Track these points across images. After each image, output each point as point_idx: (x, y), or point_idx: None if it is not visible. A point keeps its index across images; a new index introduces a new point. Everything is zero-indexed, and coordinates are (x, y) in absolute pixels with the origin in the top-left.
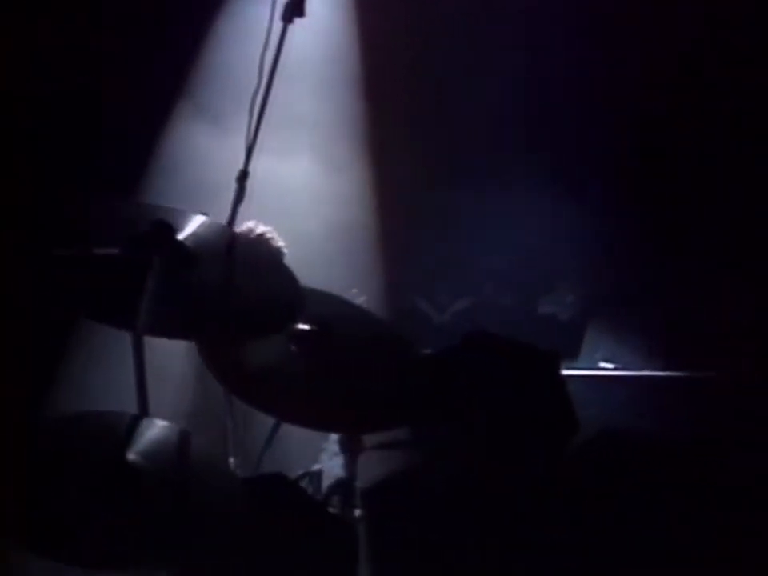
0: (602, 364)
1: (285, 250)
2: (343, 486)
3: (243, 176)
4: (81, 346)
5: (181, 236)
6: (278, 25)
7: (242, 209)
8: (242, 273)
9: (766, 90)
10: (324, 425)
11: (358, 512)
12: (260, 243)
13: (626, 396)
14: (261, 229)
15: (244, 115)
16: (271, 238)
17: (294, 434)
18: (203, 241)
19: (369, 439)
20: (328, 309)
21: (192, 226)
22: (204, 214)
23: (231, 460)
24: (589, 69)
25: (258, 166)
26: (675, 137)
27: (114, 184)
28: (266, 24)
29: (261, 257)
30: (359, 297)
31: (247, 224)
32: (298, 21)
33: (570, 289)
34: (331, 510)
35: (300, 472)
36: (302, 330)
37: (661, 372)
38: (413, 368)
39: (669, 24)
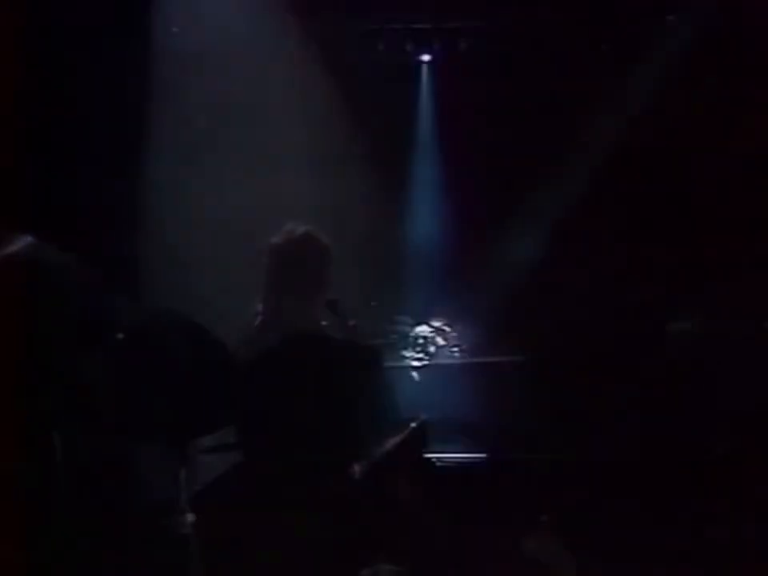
0: None
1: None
2: (172, 493)
3: None
4: None
5: None
6: None
7: None
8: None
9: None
10: (146, 436)
11: (189, 517)
12: (308, 242)
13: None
14: (303, 228)
15: None
16: (317, 237)
17: None
18: None
19: (194, 445)
20: (139, 317)
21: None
22: (32, 236)
23: None
24: None
25: None
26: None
27: None
28: None
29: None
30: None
31: (288, 225)
32: None
33: None
34: (160, 520)
35: None
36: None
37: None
38: (224, 371)
39: None
